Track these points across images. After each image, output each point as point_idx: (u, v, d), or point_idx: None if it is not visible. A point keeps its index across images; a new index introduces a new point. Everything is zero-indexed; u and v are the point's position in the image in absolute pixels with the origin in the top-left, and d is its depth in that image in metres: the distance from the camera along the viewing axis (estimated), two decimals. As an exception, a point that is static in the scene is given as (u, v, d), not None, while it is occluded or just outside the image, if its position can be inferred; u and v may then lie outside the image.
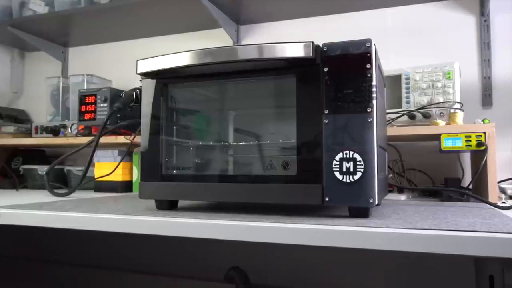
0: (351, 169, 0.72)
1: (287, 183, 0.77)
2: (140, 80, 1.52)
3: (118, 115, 1.49)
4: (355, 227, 0.64)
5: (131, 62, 1.91)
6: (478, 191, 1.12)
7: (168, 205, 0.89)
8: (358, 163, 0.72)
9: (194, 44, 1.81)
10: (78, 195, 1.30)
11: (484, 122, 1.09)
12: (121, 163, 1.46)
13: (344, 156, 0.73)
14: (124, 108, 1.41)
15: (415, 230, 0.61)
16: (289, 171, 0.79)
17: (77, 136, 1.56)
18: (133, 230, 0.75)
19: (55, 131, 1.63)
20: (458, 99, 1.18)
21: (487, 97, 1.40)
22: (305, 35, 1.64)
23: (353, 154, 0.72)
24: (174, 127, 0.90)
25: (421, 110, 1.19)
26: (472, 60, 1.42)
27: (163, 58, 0.84)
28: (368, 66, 0.73)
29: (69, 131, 1.62)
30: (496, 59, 1.39)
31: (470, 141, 1.07)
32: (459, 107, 1.17)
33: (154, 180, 0.87)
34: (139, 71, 0.87)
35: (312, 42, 0.74)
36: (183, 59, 0.82)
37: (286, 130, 0.81)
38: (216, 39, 1.77)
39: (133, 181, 1.50)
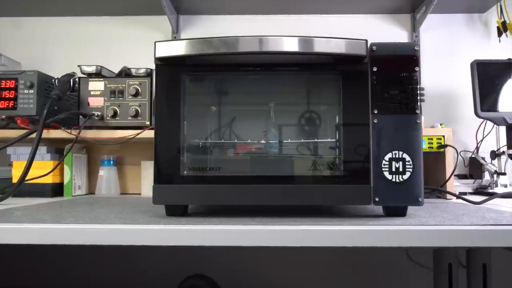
0: (401, 169, 0.73)
1: (333, 183, 0.74)
2: (115, 68, 1.31)
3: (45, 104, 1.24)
4: (433, 226, 0.66)
5: (44, 42, 1.62)
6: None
7: (182, 211, 0.77)
8: (407, 163, 0.73)
9: (126, 30, 1.62)
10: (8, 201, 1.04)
11: (442, 127, 1.22)
12: (50, 162, 1.23)
13: (394, 156, 0.74)
14: (62, 97, 1.19)
15: (472, 226, 0.65)
16: (334, 171, 0.76)
17: (-12, 129, 1.25)
18: (161, 242, 0.65)
19: (-50, 122, 1.28)
20: (413, 105, 1.29)
21: (417, 104, 1.56)
22: (248, 33, 1.60)
23: (402, 154, 0.74)
24: (199, 122, 0.79)
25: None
26: (405, 71, 1.57)
27: (192, 42, 0.73)
28: (416, 68, 0.75)
29: (-29, 122, 1.29)
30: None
31: (432, 143, 1.19)
32: (414, 113, 1.29)
33: (172, 182, 0.75)
34: (157, 55, 0.73)
35: (366, 40, 0.73)
36: (216, 45, 0.72)
37: (327, 129, 0.78)
38: (152, 26, 1.62)
39: (65, 184, 1.27)
